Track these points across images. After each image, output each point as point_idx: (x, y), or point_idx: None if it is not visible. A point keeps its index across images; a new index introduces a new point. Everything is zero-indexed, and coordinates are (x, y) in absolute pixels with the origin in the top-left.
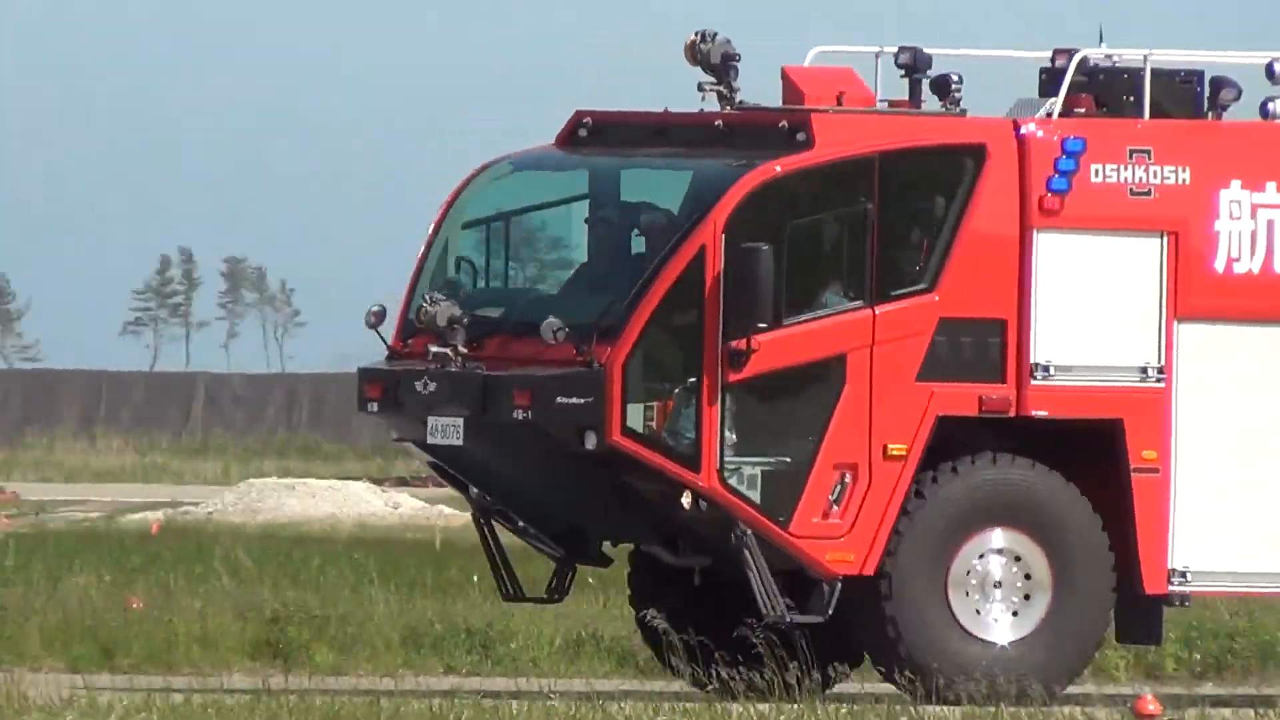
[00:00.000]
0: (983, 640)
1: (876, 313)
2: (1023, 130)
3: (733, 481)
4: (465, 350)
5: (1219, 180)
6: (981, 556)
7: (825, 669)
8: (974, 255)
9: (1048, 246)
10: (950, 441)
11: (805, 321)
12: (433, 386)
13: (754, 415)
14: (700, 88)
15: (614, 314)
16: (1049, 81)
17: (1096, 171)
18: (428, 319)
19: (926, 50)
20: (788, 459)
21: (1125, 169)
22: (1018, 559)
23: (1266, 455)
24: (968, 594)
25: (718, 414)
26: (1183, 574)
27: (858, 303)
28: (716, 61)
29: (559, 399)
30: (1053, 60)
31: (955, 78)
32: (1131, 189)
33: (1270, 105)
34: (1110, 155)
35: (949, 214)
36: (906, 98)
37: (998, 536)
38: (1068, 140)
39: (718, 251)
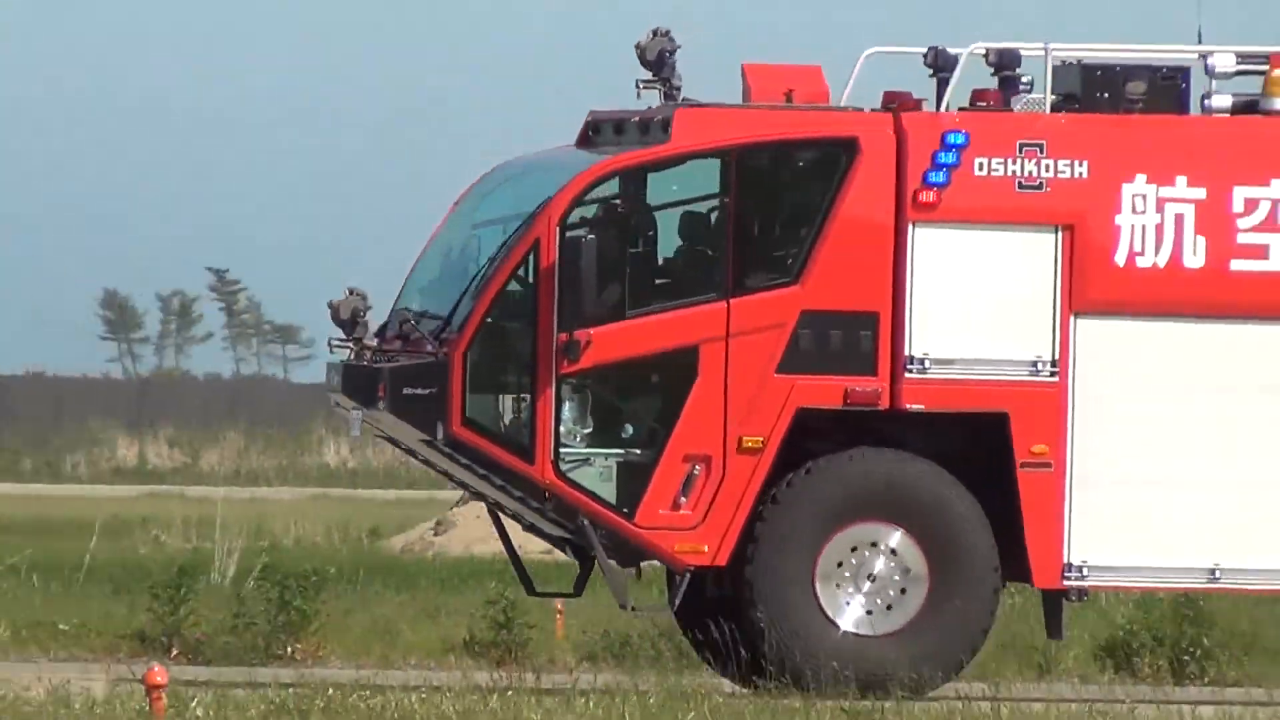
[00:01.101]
0: (854, 633)
1: (731, 304)
2: (902, 124)
3: (571, 473)
4: (372, 343)
5: (1122, 174)
6: (854, 549)
7: None
8: (843, 248)
9: (925, 240)
10: (838, 435)
11: (651, 313)
12: (336, 379)
13: (598, 407)
14: (636, 85)
15: (462, 306)
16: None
17: (981, 165)
18: (332, 310)
19: (950, 50)
20: (634, 450)
21: (1014, 162)
22: (893, 552)
23: (1170, 450)
24: (838, 586)
25: (552, 406)
26: (1080, 568)
27: (711, 294)
28: (653, 58)
29: (405, 389)
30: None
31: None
32: (1020, 182)
33: (1208, 101)
34: (997, 149)
35: (816, 207)
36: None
37: (870, 530)
38: (948, 134)
39: (552, 244)
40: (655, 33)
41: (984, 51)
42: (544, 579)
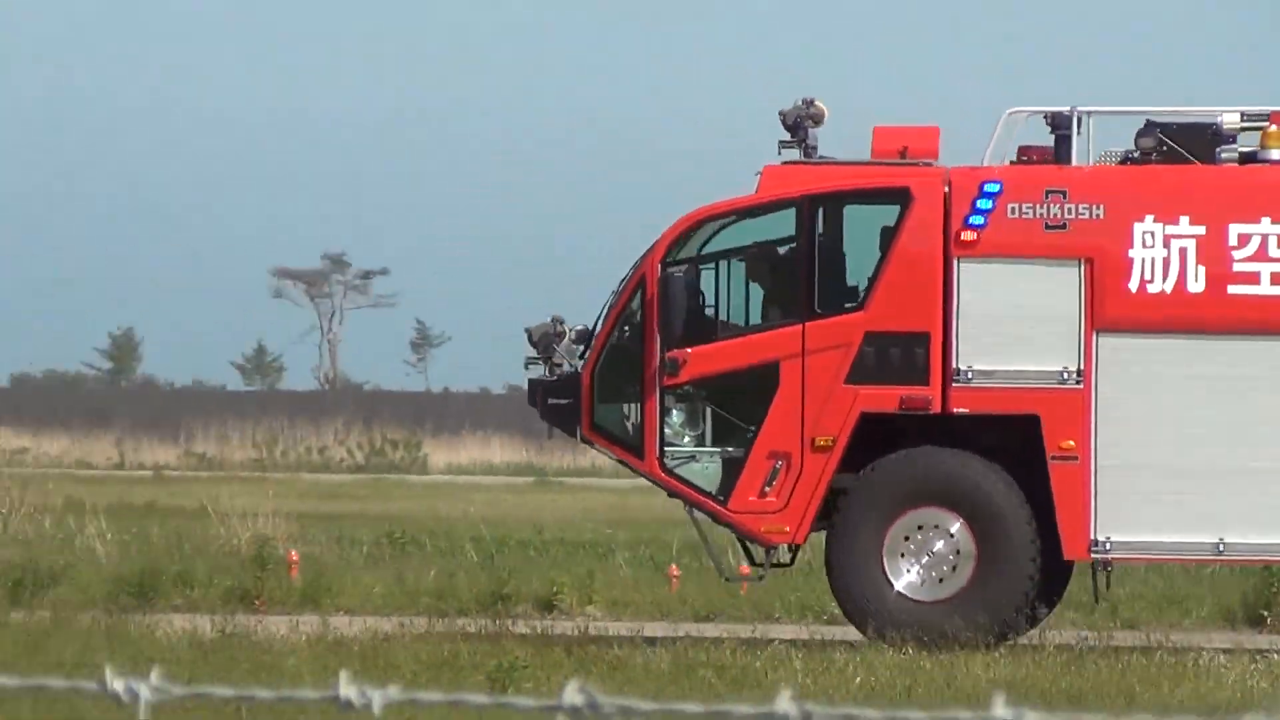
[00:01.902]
0: (913, 599)
1: (806, 327)
2: (948, 177)
3: (675, 468)
4: (559, 362)
5: (1134, 214)
6: (920, 528)
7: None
8: (900, 279)
9: (967, 272)
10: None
11: (739, 335)
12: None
13: (695, 414)
14: (779, 145)
15: (597, 331)
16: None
17: (1013, 209)
18: (529, 334)
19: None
20: (727, 449)
21: (1041, 207)
22: (950, 534)
23: (1178, 444)
24: (902, 557)
25: (657, 413)
26: (1104, 543)
27: (790, 319)
28: (791, 123)
29: (550, 399)
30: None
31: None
32: (1046, 223)
33: (1221, 153)
34: (1027, 195)
35: (877, 245)
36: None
37: (921, 513)
38: (985, 184)
39: (654, 279)
40: (801, 101)
41: (1024, 115)
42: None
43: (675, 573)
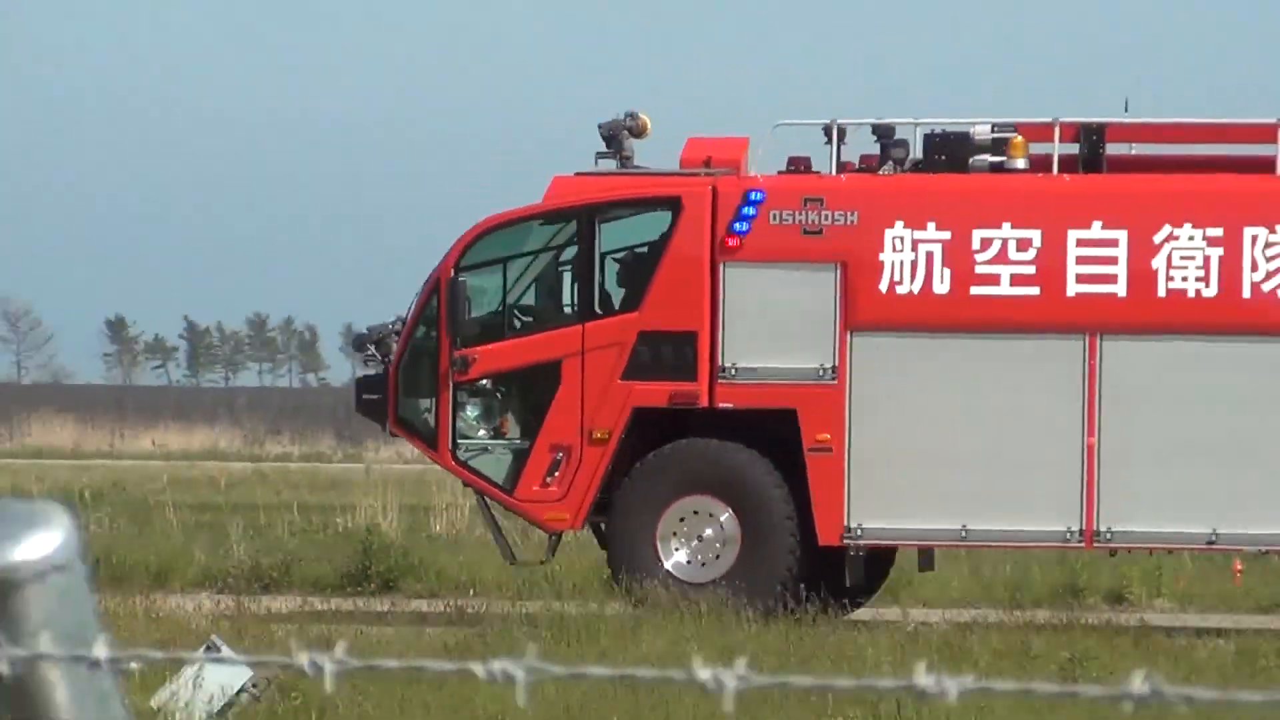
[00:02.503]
0: (688, 582)
1: (585, 327)
2: (716, 185)
3: (465, 459)
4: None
5: (885, 221)
6: (695, 513)
7: (840, 601)
8: (671, 282)
9: (734, 275)
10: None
11: (523, 335)
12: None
13: (485, 408)
14: (596, 156)
15: (403, 332)
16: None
17: (775, 216)
18: (365, 334)
19: (841, 122)
20: (514, 441)
21: (800, 214)
22: (718, 520)
23: (925, 435)
24: (675, 539)
25: (450, 407)
26: (856, 530)
27: (571, 320)
28: (607, 135)
29: (365, 395)
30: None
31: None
32: (804, 229)
33: (973, 163)
34: (787, 203)
35: (651, 250)
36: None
37: (691, 500)
38: (749, 192)
39: (445, 284)
40: (624, 114)
41: (790, 126)
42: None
43: (1239, 568)
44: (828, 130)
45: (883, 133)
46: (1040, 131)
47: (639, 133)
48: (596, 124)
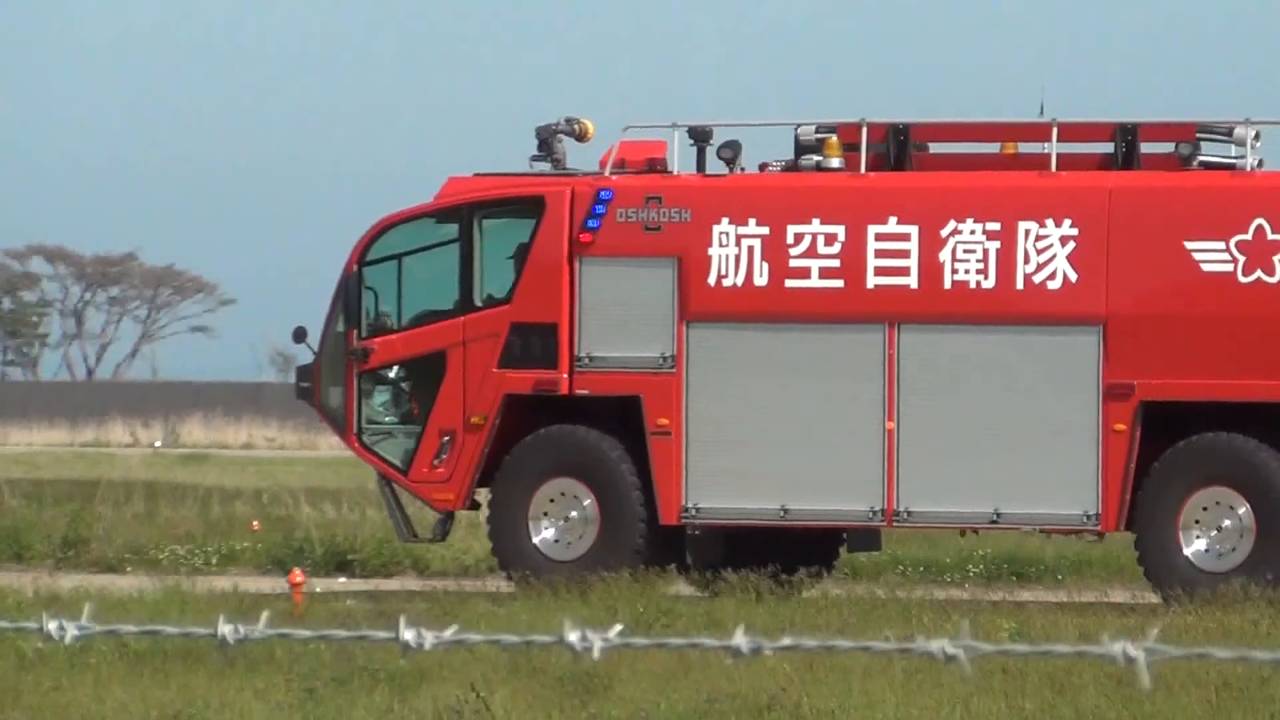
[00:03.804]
0: (555, 559)
1: (465, 319)
2: (575, 185)
3: (368, 442)
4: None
5: (713, 217)
6: (563, 494)
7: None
8: (537, 276)
9: (587, 269)
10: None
11: (414, 327)
12: None
13: (384, 395)
14: (530, 160)
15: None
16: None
17: (621, 214)
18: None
19: (707, 125)
20: (409, 426)
21: (642, 212)
22: (582, 502)
23: (753, 419)
24: (545, 519)
25: (355, 394)
26: (692, 510)
27: (453, 312)
28: (541, 138)
29: (300, 383)
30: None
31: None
32: (646, 226)
33: (800, 160)
34: (632, 202)
35: (521, 246)
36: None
37: (559, 483)
38: (600, 192)
39: (348, 279)
40: (564, 119)
41: (639, 129)
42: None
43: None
44: (691, 132)
45: (699, 135)
46: (857, 132)
47: (581, 136)
48: (535, 128)
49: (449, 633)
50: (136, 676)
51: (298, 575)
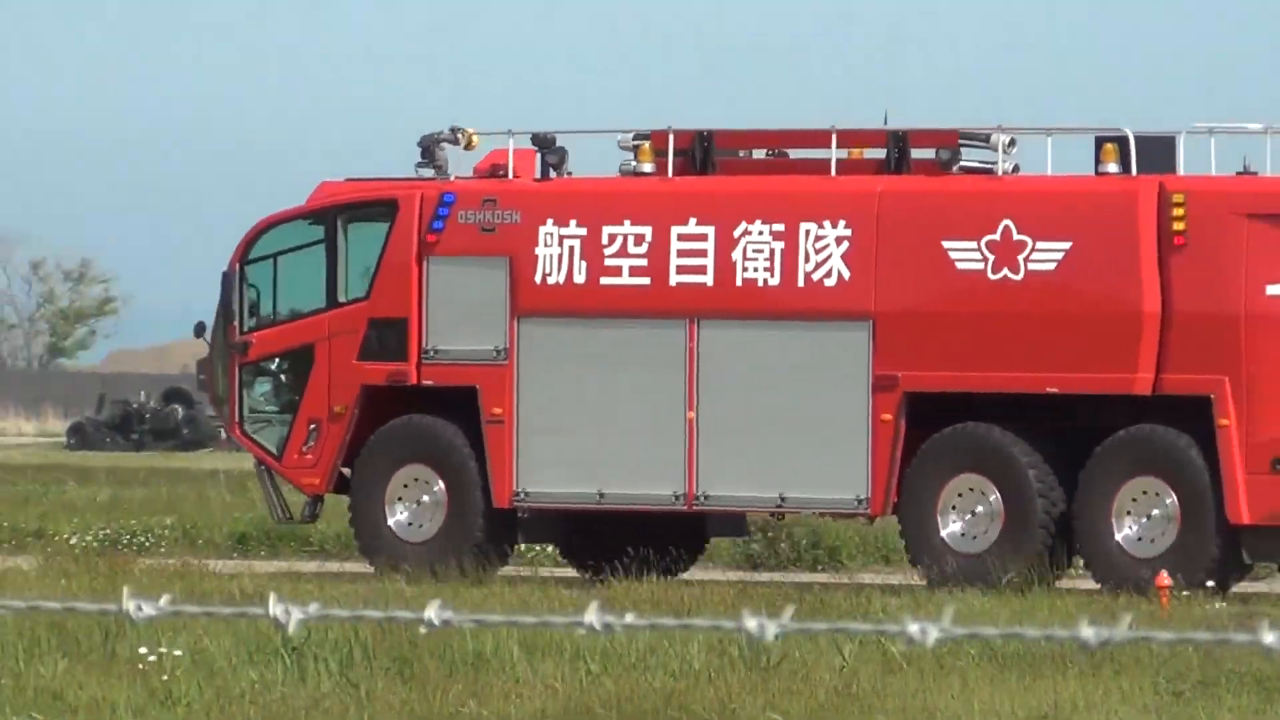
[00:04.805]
0: (408, 541)
1: (330, 314)
2: (424, 189)
3: (248, 430)
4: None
5: (539, 219)
6: (416, 480)
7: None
8: (391, 274)
9: (433, 268)
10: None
11: (287, 322)
12: None
13: (262, 385)
14: (415, 167)
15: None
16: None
17: (462, 216)
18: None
19: (550, 133)
20: (284, 415)
21: (479, 214)
22: (432, 487)
23: (577, 408)
24: (400, 503)
25: (237, 385)
26: (523, 494)
27: (322, 308)
28: (424, 147)
29: (200, 375)
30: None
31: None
32: (482, 227)
33: (621, 168)
34: (471, 205)
35: (378, 246)
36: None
37: (412, 469)
38: (445, 195)
39: (230, 276)
40: (447, 128)
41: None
42: None
43: None
44: (534, 139)
45: (542, 142)
46: (680, 137)
47: (465, 145)
48: (420, 137)
49: None
50: (1004, 679)
51: (1164, 578)
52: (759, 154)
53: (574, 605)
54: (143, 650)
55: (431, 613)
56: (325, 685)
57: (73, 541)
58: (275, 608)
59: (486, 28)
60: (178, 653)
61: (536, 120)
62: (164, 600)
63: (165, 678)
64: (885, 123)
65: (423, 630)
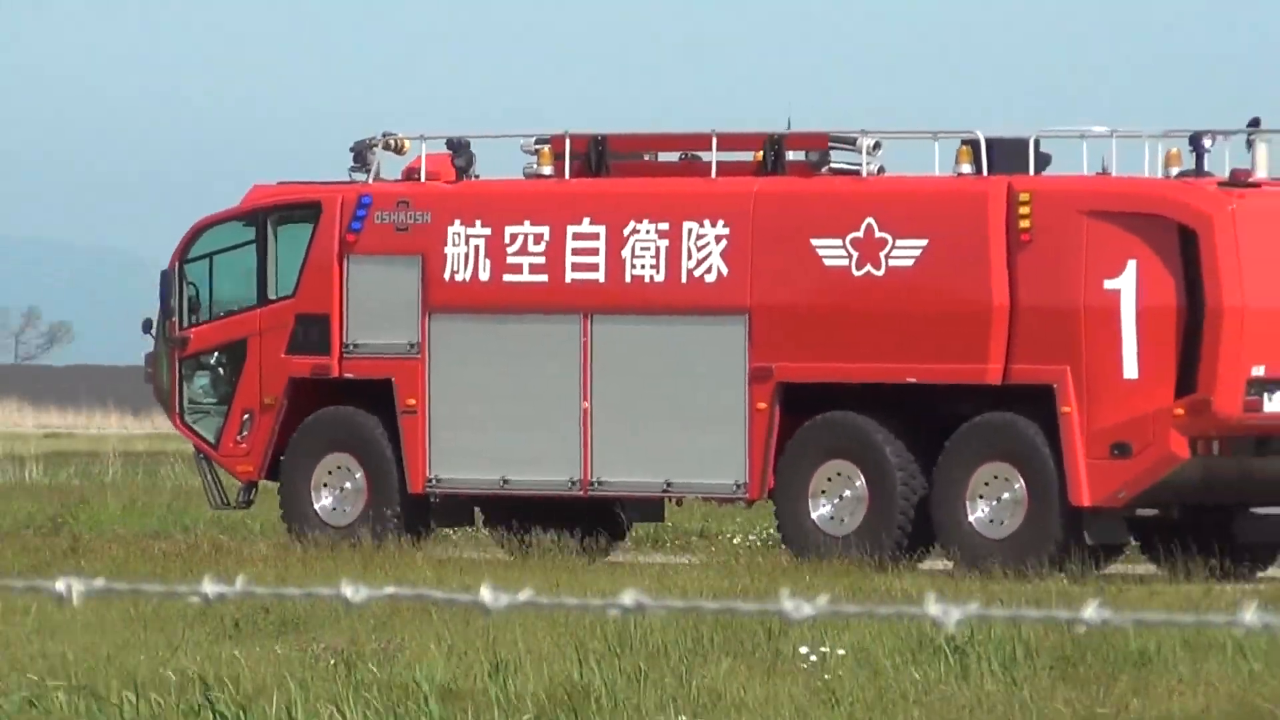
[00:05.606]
0: (332, 525)
1: (262, 311)
2: (345, 191)
3: (187, 421)
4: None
5: (448, 219)
6: (339, 468)
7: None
8: (315, 272)
9: (352, 266)
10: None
11: (222, 318)
12: None
13: (201, 379)
14: (349, 172)
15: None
16: None
17: (379, 216)
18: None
19: (462, 137)
20: (220, 406)
21: (394, 214)
22: (354, 475)
23: (483, 399)
24: (325, 488)
25: (178, 378)
26: (435, 480)
27: (254, 304)
28: (356, 152)
29: (146, 369)
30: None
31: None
32: (397, 227)
33: (524, 168)
34: (387, 206)
35: (304, 245)
36: None
37: (335, 457)
38: (362, 197)
39: (170, 274)
40: (382, 134)
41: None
42: None
43: None
44: (448, 143)
45: (455, 146)
46: (577, 141)
47: (398, 150)
48: (352, 143)
49: None
50: None
51: None
52: (669, 157)
53: (1228, 604)
54: (803, 649)
55: (1090, 612)
56: (989, 685)
57: (735, 541)
58: (934, 607)
59: (468, 34)
60: (840, 651)
61: (483, 123)
62: (822, 599)
63: (827, 677)
64: (789, 126)
65: (1081, 630)
